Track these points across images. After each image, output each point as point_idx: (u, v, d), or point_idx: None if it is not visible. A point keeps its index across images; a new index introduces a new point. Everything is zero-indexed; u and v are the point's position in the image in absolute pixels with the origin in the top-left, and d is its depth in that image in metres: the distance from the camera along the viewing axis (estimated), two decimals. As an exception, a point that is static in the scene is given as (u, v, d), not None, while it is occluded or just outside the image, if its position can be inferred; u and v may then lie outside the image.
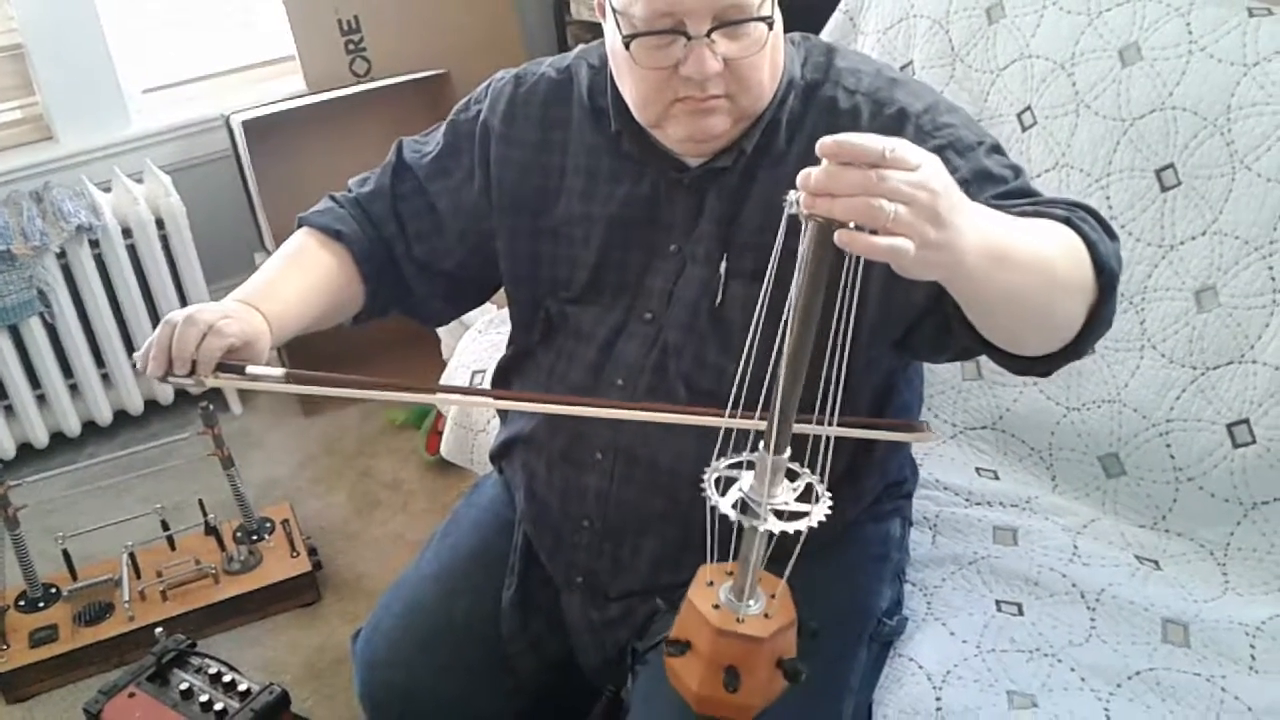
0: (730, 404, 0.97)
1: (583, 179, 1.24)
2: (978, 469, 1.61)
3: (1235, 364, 1.43)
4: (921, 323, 1.10)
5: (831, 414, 0.92)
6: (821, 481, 0.96)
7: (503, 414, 1.43)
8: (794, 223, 1.10)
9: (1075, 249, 0.95)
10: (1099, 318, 0.98)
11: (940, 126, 1.10)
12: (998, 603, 1.35)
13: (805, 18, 1.16)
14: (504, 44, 2.86)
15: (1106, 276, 0.96)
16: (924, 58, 1.84)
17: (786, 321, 0.82)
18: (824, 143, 0.74)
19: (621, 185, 1.22)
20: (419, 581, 1.36)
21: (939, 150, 1.06)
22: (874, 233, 0.75)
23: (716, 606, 1.02)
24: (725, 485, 0.96)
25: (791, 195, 0.78)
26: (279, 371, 1.11)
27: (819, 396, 0.91)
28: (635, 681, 1.23)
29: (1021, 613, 1.33)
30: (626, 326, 1.23)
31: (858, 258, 0.78)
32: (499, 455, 1.41)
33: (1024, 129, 1.70)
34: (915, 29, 1.87)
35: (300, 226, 1.35)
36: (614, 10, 1.08)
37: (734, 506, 0.93)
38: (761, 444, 0.93)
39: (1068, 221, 0.97)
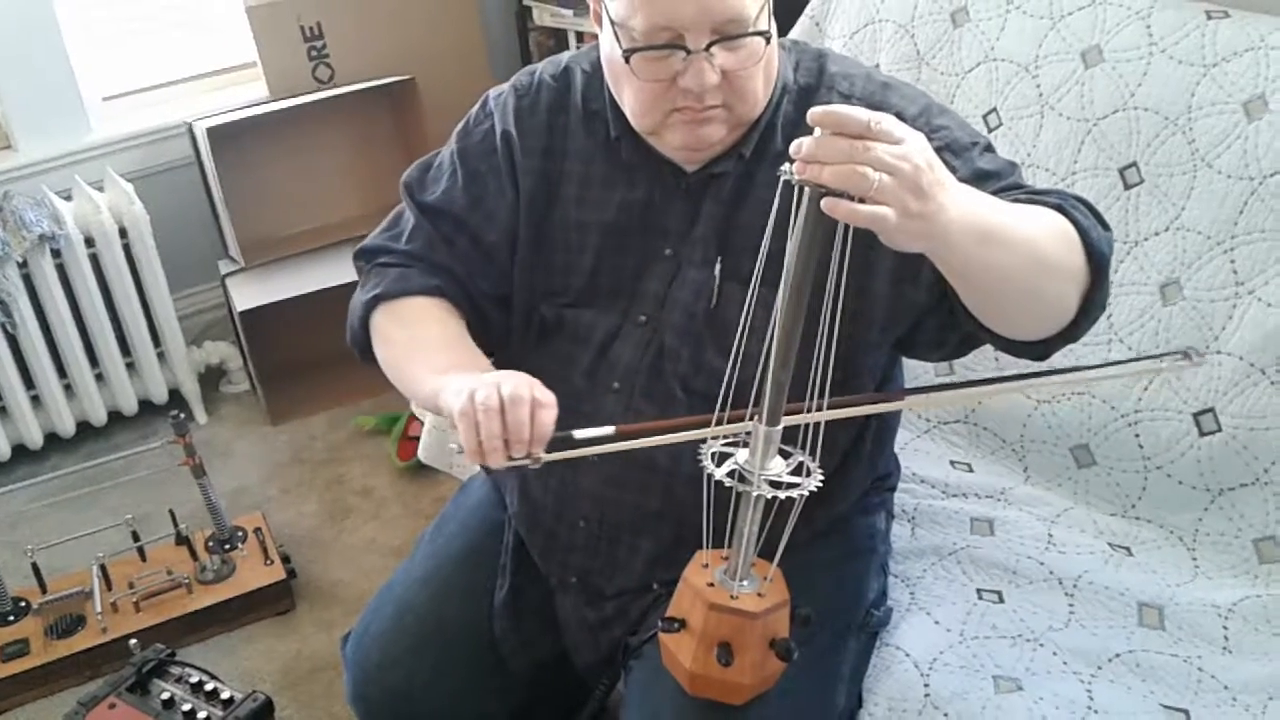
0: (720, 404, 1.00)
1: (578, 185, 1.25)
2: (952, 462, 1.64)
3: (1200, 355, 1.47)
4: (925, 321, 1.13)
5: (821, 396, 0.95)
6: (813, 459, 0.99)
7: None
8: (782, 221, 1.13)
9: (1065, 232, 0.99)
10: (1092, 301, 1.02)
11: (935, 129, 1.13)
12: (979, 591, 1.38)
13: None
14: (467, 50, 2.87)
15: (1098, 260, 1.00)
16: (890, 61, 1.88)
17: (780, 295, 0.88)
18: (814, 111, 0.81)
19: (617, 191, 1.23)
20: (409, 583, 1.37)
21: (936, 152, 1.10)
22: (861, 202, 0.81)
23: (711, 585, 1.05)
24: (721, 460, 1.00)
25: (786, 165, 0.85)
26: (608, 430, 1.05)
27: (817, 380, 0.95)
28: (630, 674, 1.24)
29: (1002, 600, 1.37)
30: (621, 330, 1.24)
31: (850, 236, 0.85)
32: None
33: (990, 130, 1.74)
34: (881, 33, 1.90)
35: (375, 304, 1.26)
36: (613, 23, 1.09)
37: (729, 475, 0.96)
38: (755, 417, 0.96)
39: (1059, 209, 1.00)
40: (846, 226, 0.84)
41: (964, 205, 0.89)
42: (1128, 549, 1.46)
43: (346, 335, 1.31)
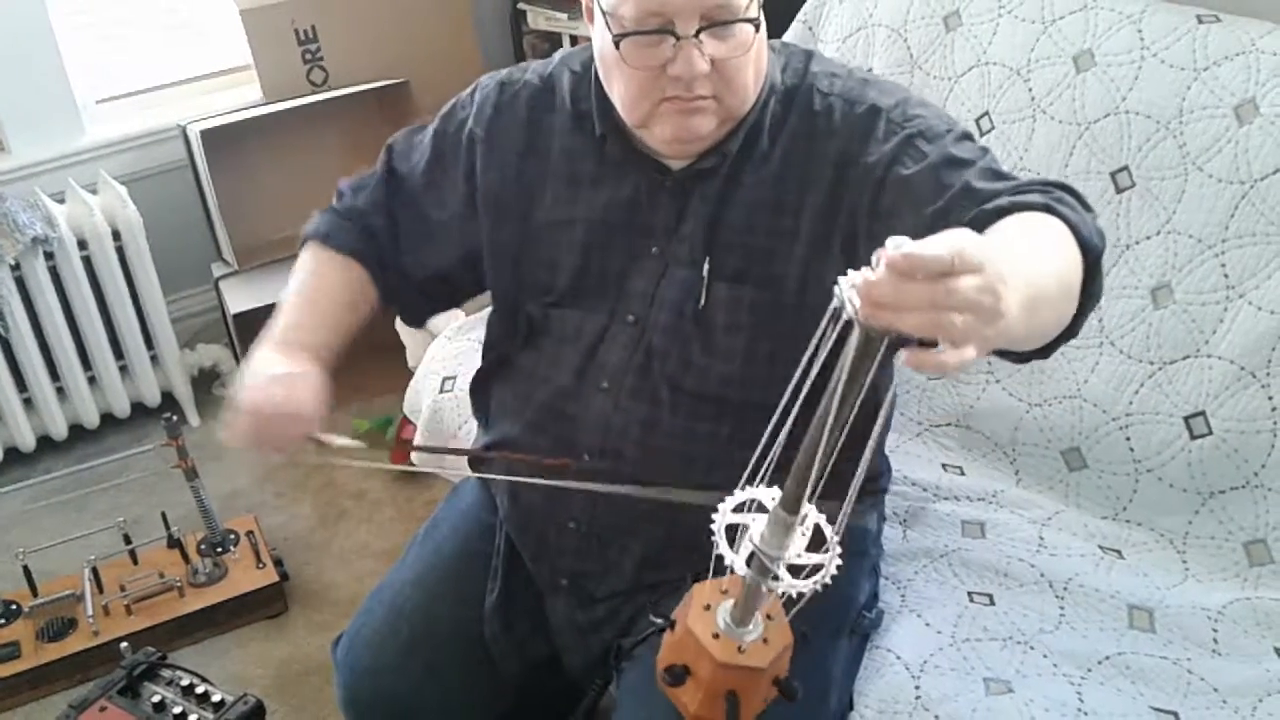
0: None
1: (564, 183, 1.26)
2: (944, 465, 1.64)
3: (1191, 358, 1.48)
4: None
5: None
6: (834, 530, 0.92)
7: (484, 419, 1.43)
8: (781, 234, 1.09)
9: (1068, 243, 0.95)
10: (1089, 295, 0.98)
11: (910, 117, 1.13)
12: (969, 594, 1.38)
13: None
14: (461, 53, 2.87)
15: (1092, 254, 0.97)
16: (883, 66, 1.89)
17: (817, 407, 0.77)
18: (892, 258, 0.67)
19: (603, 189, 1.23)
20: (400, 586, 1.36)
21: (909, 139, 1.10)
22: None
23: (716, 636, 1.00)
24: (732, 534, 0.92)
25: (844, 295, 0.70)
26: (358, 444, 1.21)
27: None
28: (622, 678, 1.24)
29: (993, 603, 1.37)
30: (609, 330, 1.24)
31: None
32: (479, 460, 1.42)
33: (982, 134, 1.74)
34: (874, 37, 1.91)
35: (305, 242, 1.39)
36: (603, 11, 1.10)
37: (747, 564, 0.87)
38: (780, 502, 0.85)
39: (1048, 208, 0.97)
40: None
41: (1020, 291, 0.77)
42: (1118, 552, 1.46)
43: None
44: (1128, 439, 1.51)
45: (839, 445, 0.78)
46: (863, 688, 1.26)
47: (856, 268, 0.85)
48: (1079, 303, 0.98)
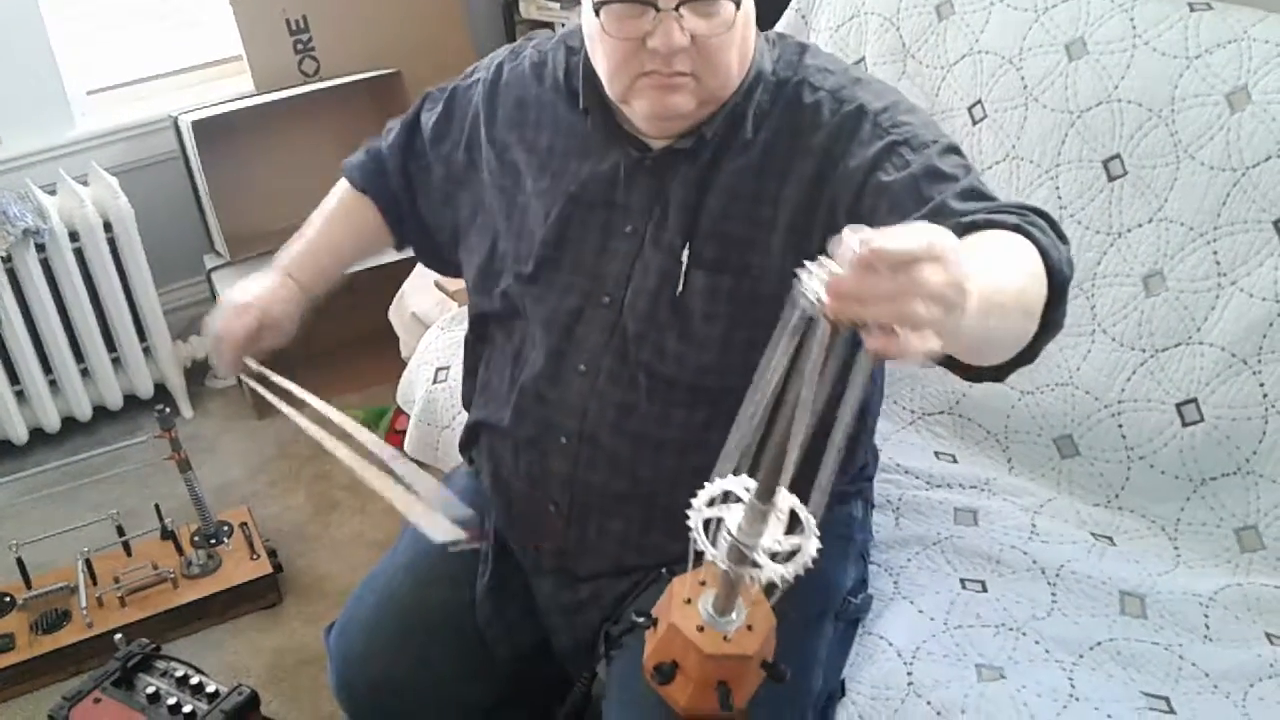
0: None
1: (547, 155, 1.27)
2: (936, 453, 1.65)
3: (1183, 345, 1.48)
4: None
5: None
6: (810, 511, 0.92)
7: (469, 399, 1.44)
8: (759, 224, 1.08)
9: (1036, 265, 0.95)
10: (1050, 320, 0.97)
11: (897, 124, 1.12)
12: (962, 581, 1.39)
13: (758, 15, 1.20)
14: (453, 43, 2.86)
15: (1058, 280, 0.96)
16: (875, 54, 1.88)
17: (780, 402, 0.78)
18: (859, 254, 0.68)
19: (585, 163, 1.24)
20: (393, 572, 1.37)
21: (893, 146, 1.10)
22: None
23: (701, 629, 1.00)
24: (709, 525, 0.92)
25: (807, 292, 0.72)
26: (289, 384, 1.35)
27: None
28: (611, 664, 1.24)
29: (985, 589, 1.37)
30: (585, 311, 1.24)
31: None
32: (467, 442, 1.43)
33: (975, 122, 1.74)
34: (867, 26, 1.91)
35: (343, 174, 1.50)
36: None
37: (728, 557, 0.87)
38: (754, 492, 0.86)
39: (1019, 228, 0.96)
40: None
41: (980, 290, 0.77)
42: (1110, 539, 1.46)
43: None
44: (1120, 426, 1.52)
45: (810, 434, 0.78)
46: (855, 674, 1.26)
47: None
48: (1039, 327, 0.97)
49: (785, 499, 0.87)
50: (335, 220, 1.48)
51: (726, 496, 0.89)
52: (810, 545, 0.88)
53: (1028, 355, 1.00)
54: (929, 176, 1.07)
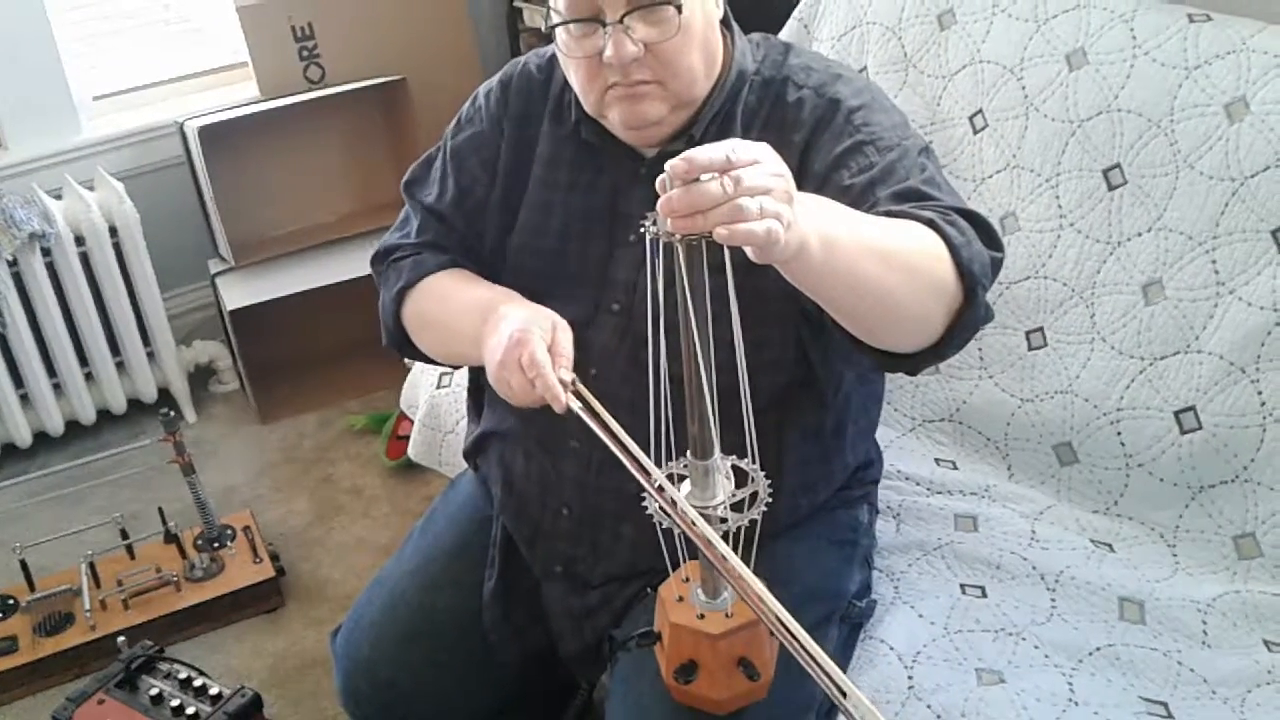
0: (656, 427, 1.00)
1: (548, 169, 1.28)
2: (937, 459, 1.66)
3: (1181, 354, 1.49)
4: (831, 335, 1.11)
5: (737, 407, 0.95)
6: (752, 463, 0.98)
7: (475, 410, 1.44)
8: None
9: (929, 248, 0.98)
10: (962, 321, 1.00)
11: (868, 123, 1.15)
12: (962, 586, 1.40)
13: (761, 26, 1.22)
14: (457, 51, 2.88)
15: (968, 280, 0.98)
16: (877, 63, 1.90)
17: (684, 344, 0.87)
18: (674, 164, 0.79)
19: (584, 175, 1.26)
20: (399, 577, 1.38)
21: (859, 145, 1.12)
22: None
23: (702, 617, 1.04)
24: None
25: (650, 226, 0.83)
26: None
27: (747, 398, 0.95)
28: (615, 668, 1.25)
29: (985, 595, 1.38)
30: (595, 319, 1.25)
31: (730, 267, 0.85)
32: (474, 451, 1.43)
33: (975, 131, 1.76)
34: (869, 35, 1.92)
35: (403, 296, 1.32)
36: (547, 4, 1.14)
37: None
38: (689, 453, 0.94)
39: (931, 223, 0.99)
40: (730, 257, 0.84)
41: (814, 208, 0.90)
42: (1109, 545, 1.47)
43: (382, 338, 1.36)
44: (1119, 434, 1.53)
45: (713, 369, 0.89)
46: (856, 678, 1.27)
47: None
48: (949, 325, 1.00)
49: (722, 460, 0.96)
50: (461, 284, 1.30)
51: (672, 478, 0.97)
52: (761, 483, 0.96)
53: (937, 351, 1.02)
54: (885, 179, 1.09)
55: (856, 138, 1.13)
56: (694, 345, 0.87)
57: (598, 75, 1.14)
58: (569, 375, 1.05)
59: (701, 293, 0.86)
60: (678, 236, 0.81)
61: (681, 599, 1.06)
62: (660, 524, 0.95)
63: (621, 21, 1.09)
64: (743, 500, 0.96)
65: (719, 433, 0.94)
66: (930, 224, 1.00)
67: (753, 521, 0.96)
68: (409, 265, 1.32)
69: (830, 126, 1.15)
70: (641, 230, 0.85)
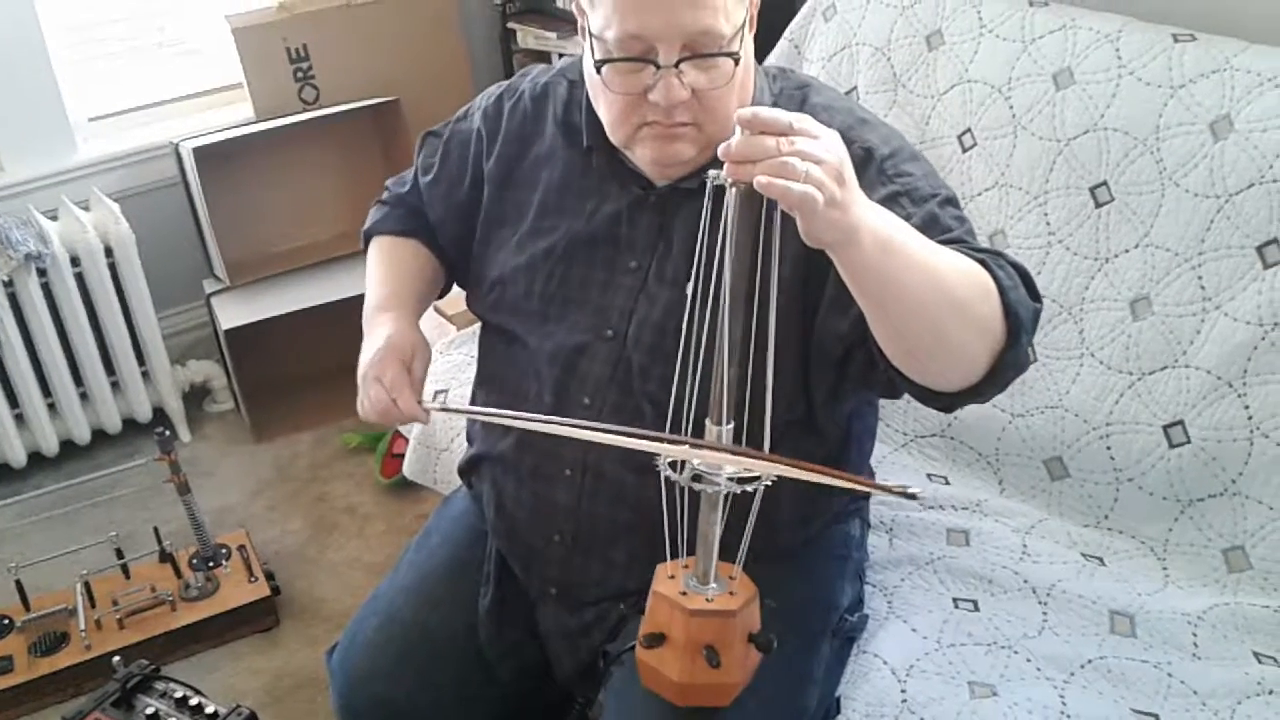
0: (672, 411, 1.02)
1: (553, 193, 1.28)
2: (929, 474, 1.67)
3: (1169, 369, 1.51)
4: (853, 353, 1.13)
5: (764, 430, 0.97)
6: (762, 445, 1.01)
7: (471, 432, 1.45)
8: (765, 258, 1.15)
9: (981, 282, 0.99)
10: (1004, 362, 1.01)
11: (900, 173, 1.14)
12: (954, 600, 1.41)
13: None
14: (451, 72, 2.90)
15: (1013, 321, 0.99)
16: (867, 84, 1.92)
17: (719, 298, 0.94)
18: (741, 114, 0.86)
19: (589, 200, 1.26)
20: (395, 594, 1.38)
21: (895, 196, 1.11)
22: None
23: (684, 594, 1.07)
24: (679, 467, 1.01)
25: (712, 173, 0.91)
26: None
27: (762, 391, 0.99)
28: (608, 682, 1.26)
29: (977, 609, 1.39)
30: (589, 346, 1.25)
31: (779, 235, 0.91)
32: (467, 470, 1.44)
33: (964, 150, 1.78)
34: (858, 56, 1.94)
35: (369, 240, 1.48)
36: (590, 34, 1.12)
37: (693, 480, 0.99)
38: (708, 419, 0.98)
39: (983, 264, 1.00)
40: (779, 225, 0.91)
41: (874, 210, 0.94)
42: (1100, 559, 1.49)
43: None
44: (1108, 448, 1.54)
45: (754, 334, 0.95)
46: (850, 692, 1.28)
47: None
48: (991, 367, 1.01)
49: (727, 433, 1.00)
50: (394, 259, 1.44)
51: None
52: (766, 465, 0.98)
53: (977, 391, 1.03)
54: (927, 226, 1.08)
55: (892, 188, 1.12)
56: (734, 297, 0.94)
57: (635, 111, 1.13)
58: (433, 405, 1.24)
59: (747, 244, 0.93)
60: (730, 181, 0.88)
61: (673, 578, 1.09)
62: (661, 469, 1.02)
63: (676, 65, 1.08)
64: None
65: (740, 396, 0.99)
66: (982, 264, 1.01)
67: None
68: (383, 214, 1.47)
69: (863, 178, 1.14)
70: (705, 178, 0.92)
